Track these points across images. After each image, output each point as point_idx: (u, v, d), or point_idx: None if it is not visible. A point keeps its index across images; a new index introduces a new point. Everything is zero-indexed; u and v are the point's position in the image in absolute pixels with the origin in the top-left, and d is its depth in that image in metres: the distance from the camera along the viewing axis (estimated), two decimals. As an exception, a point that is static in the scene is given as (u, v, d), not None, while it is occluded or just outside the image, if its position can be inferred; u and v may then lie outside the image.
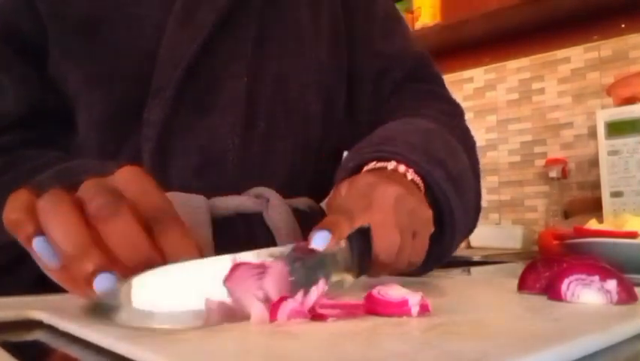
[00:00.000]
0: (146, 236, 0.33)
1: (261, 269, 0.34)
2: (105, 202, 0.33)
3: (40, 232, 0.32)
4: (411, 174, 0.49)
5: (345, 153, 0.71)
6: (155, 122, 0.54)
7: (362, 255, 0.42)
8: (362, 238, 0.42)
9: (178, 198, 0.53)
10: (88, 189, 0.34)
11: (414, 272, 0.56)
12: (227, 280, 0.33)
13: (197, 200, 0.54)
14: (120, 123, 0.55)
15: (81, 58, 0.55)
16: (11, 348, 0.30)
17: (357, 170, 0.52)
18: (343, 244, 0.40)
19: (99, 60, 0.55)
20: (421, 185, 0.50)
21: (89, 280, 0.31)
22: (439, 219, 0.52)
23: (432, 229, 0.48)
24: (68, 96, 0.57)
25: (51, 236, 0.32)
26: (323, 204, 0.71)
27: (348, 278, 0.40)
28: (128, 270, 0.32)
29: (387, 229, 0.42)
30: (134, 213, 0.33)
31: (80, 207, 0.33)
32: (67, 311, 0.35)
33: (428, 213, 0.47)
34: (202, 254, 0.35)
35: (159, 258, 0.33)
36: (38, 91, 0.58)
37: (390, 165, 0.50)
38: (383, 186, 0.44)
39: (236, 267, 0.33)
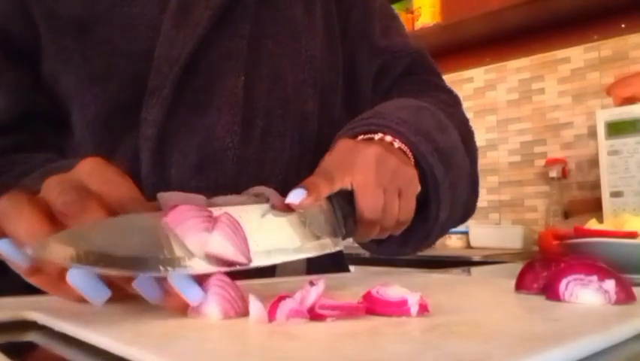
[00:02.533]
0: None
1: (208, 214, 0.34)
2: (72, 199, 0.32)
3: (3, 235, 0.32)
4: (398, 143, 0.51)
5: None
6: (154, 121, 0.53)
7: (346, 216, 0.43)
8: (345, 200, 0.43)
9: (178, 198, 0.53)
10: (51, 188, 0.34)
11: (403, 252, 0.58)
12: (167, 215, 0.32)
13: (197, 199, 0.54)
14: (116, 123, 0.55)
15: (75, 58, 0.55)
16: (6, 349, 0.29)
17: None
18: (324, 205, 0.41)
19: (93, 60, 0.54)
20: (409, 154, 0.51)
21: (61, 275, 0.31)
22: (425, 194, 0.53)
23: (417, 188, 0.49)
24: (63, 97, 0.57)
25: (15, 238, 0.32)
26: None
27: (336, 240, 0.41)
28: None
29: (370, 187, 0.43)
30: (103, 207, 0.33)
31: (43, 206, 0.33)
32: (62, 312, 0.35)
33: (411, 172, 0.48)
34: None
35: None
36: (31, 95, 0.58)
37: (377, 135, 0.51)
38: (363, 148, 0.46)
39: (179, 206, 0.33)
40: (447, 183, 0.53)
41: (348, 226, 0.43)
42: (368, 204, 0.43)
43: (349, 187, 0.44)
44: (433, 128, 0.54)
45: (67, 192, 0.33)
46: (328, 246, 0.40)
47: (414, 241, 0.58)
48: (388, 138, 0.51)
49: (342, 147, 0.47)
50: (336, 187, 0.42)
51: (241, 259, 0.34)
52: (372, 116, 0.54)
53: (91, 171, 0.36)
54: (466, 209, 0.63)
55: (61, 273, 0.31)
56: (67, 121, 0.58)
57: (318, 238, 0.39)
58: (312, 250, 0.39)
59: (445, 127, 0.57)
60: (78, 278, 0.31)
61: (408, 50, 0.72)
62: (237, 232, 0.34)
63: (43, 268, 0.32)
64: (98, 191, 0.34)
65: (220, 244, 0.33)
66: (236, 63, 0.57)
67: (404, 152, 0.51)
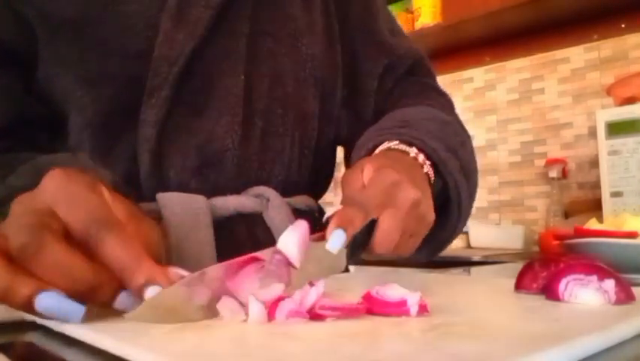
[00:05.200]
0: (81, 259, 0.32)
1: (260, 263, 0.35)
2: (25, 241, 0.32)
3: None
4: (427, 167, 0.51)
5: (341, 148, 0.73)
6: (152, 122, 0.53)
7: (360, 245, 0.43)
8: (365, 231, 0.43)
9: (178, 199, 0.53)
10: (10, 224, 0.33)
11: (416, 258, 0.58)
12: (229, 280, 0.33)
13: (197, 200, 0.54)
14: (114, 125, 0.55)
15: (71, 59, 0.54)
16: (6, 349, 0.29)
17: (374, 149, 0.54)
18: None
19: (90, 62, 0.54)
20: (432, 177, 0.51)
21: (29, 305, 0.31)
22: (444, 205, 0.54)
23: (427, 231, 0.49)
24: (59, 100, 0.56)
25: None
26: (322, 203, 0.71)
27: (343, 265, 0.41)
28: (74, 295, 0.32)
29: (393, 230, 0.43)
30: (64, 235, 0.32)
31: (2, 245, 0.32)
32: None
33: (432, 218, 0.48)
34: (153, 252, 0.34)
35: (102, 275, 0.32)
36: (22, 101, 0.57)
37: (412, 151, 0.51)
38: (406, 189, 0.44)
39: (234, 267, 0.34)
40: (467, 201, 0.55)
41: (358, 252, 0.44)
42: (384, 243, 0.43)
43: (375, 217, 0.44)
44: (457, 145, 0.55)
45: (21, 232, 0.32)
46: (336, 270, 0.41)
47: (429, 248, 0.57)
48: (421, 158, 0.51)
49: (387, 178, 0.45)
50: (368, 220, 0.42)
51: (296, 263, 0.36)
52: (402, 126, 0.54)
53: (56, 188, 0.35)
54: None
55: (28, 303, 0.31)
56: (63, 124, 0.57)
57: (327, 262, 0.39)
58: (320, 273, 0.39)
59: (464, 142, 0.58)
60: (48, 303, 0.31)
61: (412, 51, 0.73)
62: (305, 240, 0.36)
63: (7, 300, 0.31)
64: (63, 214, 0.33)
65: (291, 243, 0.35)
66: (235, 63, 0.57)
67: (429, 176, 0.51)
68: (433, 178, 0.51)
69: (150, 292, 0.32)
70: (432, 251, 0.59)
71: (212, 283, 0.34)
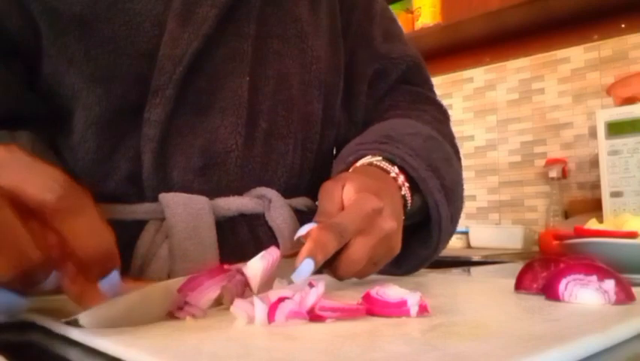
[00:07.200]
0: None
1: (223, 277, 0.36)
2: (63, 195, 0.29)
3: None
4: (405, 190, 0.52)
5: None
6: (156, 121, 0.53)
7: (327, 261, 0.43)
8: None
9: (180, 200, 0.53)
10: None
11: (394, 273, 0.60)
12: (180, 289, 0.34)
13: (200, 201, 0.54)
14: (119, 123, 0.54)
15: (78, 57, 0.54)
16: (6, 349, 0.29)
17: (354, 163, 0.55)
18: None
19: (96, 59, 0.53)
20: (409, 200, 0.52)
21: None
22: (425, 223, 0.55)
23: (389, 261, 0.49)
24: (65, 96, 0.55)
25: None
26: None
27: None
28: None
29: (361, 257, 0.44)
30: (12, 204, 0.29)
31: None
32: (61, 313, 0.34)
33: (398, 251, 0.49)
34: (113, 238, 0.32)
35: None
36: (21, 98, 0.56)
37: (393, 171, 0.52)
38: (384, 219, 0.45)
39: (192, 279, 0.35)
40: (448, 220, 0.55)
41: (321, 268, 0.44)
42: (349, 268, 0.44)
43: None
44: (441, 163, 0.56)
45: (55, 185, 0.30)
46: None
47: (409, 264, 0.59)
48: (400, 180, 0.52)
49: (369, 205, 0.45)
50: (341, 246, 0.42)
51: (254, 290, 0.37)
52: (384, 141, 0.55)
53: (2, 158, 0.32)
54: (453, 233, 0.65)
55: None
56: (67, 122, 0.57)
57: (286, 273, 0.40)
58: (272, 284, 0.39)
59: (449, 159, 0.59)
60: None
61: (405, 57, 0.72)
62: (272, 268, 0.38)
63: None
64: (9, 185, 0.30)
65: (256, 271, 0.37)
66: (241, 63, 0.57)
67: (405, 199, 0.52)
68: (410, 201, 0.52)
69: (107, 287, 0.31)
70: (411, 268, 0.60)
71: (174, 294, 0.34)
